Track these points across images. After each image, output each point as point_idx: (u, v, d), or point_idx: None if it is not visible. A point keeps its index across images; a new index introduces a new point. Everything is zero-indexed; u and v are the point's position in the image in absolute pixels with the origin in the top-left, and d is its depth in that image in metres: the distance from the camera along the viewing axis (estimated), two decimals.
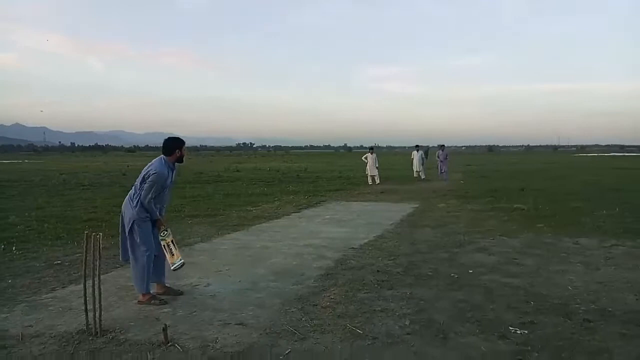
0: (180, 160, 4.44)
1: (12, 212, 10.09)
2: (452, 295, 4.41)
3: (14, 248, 6.53)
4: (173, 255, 4.41)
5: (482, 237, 7.25)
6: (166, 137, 4.48)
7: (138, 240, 4.20)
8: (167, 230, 4.42)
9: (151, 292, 4.30)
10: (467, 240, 6.96)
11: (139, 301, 4.24)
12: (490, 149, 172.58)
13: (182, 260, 4.45)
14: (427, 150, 34.15)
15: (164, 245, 4.38)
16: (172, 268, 4.41)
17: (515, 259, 5.83)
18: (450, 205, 11.18)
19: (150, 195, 4.18)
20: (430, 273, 5.19)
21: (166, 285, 4.54)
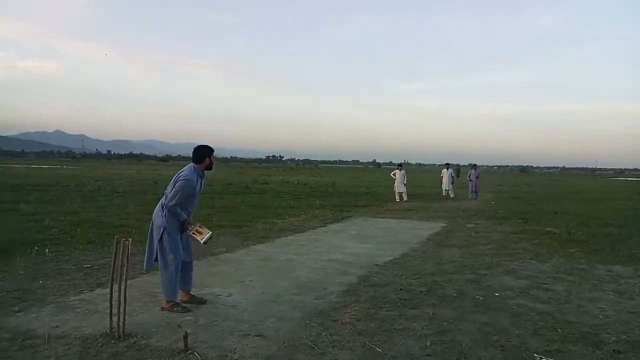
0: (209, 167, 4.51)
1: (47, 216, 10.46)
2: (477, 318, 4.31)
3: (47, 250, 6.76)
4: (202, 233, 4.37)
5: (511, 259, 7.06)
6: (196, 146, 4.58)
7: (167, 248, 4.27)
8: (194, 224, 4.45)
9: (176, 299, 4.37)
10: (495, 262, 6.80)
11: (162, 307, 4.31)
12: (523, 169, 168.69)
13: (210, 233, 4.41)
14: (458, 169, 33.71)
15: (192, 233, 4.38)
16: (202, 242, 4.36)
17: (545, 284, 5.64)
18: (479, 226, 10.96)
19: (175, 200, 4.25)
20: (455, 294, 5.08)
21: (191, 293, 4.60)
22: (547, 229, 10.50)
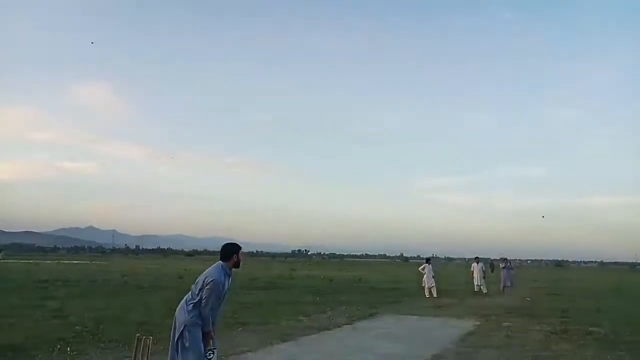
0: (237, 265, 4.47)
1: (72, 312, 10.43)
2: None
3: (68, 349, 6.65)
4: None
5: None
6: (224, 243, 4.60)
7: (187, 345, 4.14)
8: (213, 353, 4.28)
9: None
10: None
11: None
12: (559, 263, 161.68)
13: None
14: (491, 263, 32.65)
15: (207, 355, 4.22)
16: None
17: None
18: (516, 324, 10.32)
19: (210, 305, 4.19)
20: None
21: None
22: (591, 328, 9.78)
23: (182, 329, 4.19)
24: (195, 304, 4.24)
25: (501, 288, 19.95)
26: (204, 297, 4.20)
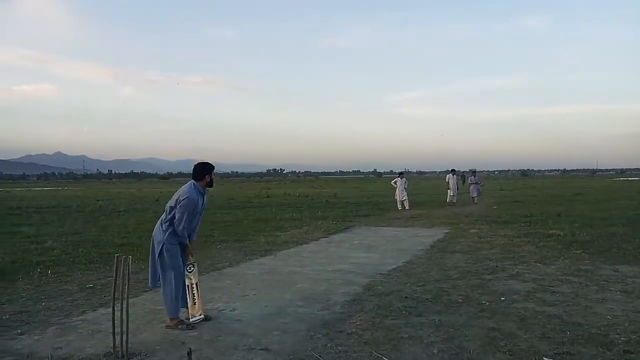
0: (210, 185, 4.49)
1: (49, 237, 10.44)
2: (483, 323, 4.26)
3: (49, 271, 6.74)
4: (195, 305, 4.32)
5: (516, 263, 7.01)
6: (196, 163, 4.57)
7: (167, 264, 4.25)
8: (193, 266, 4.40)
9: (180, 316, 4.32)
10: (500, 267, 6.75)
11: (166, 325, 4.27)
12: (524, 173, 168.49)
13: (202, 316, 4.33)
14: (463, 175, 33.76)
15: (187, 285, 4.33)
16: (190, 320, 4.26)
17: (551, 286, 5.59)
18: (483, 231, 10.90)
19: (183, 223, 4.25)
20: (460, 300, 5.03)
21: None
22: (551, 231, 10.43)
23: (161, 248, 4.27)
24: (170, 222, 4.29)
25: (471, 198, 20.93)
26: (177, 214, 4.25)
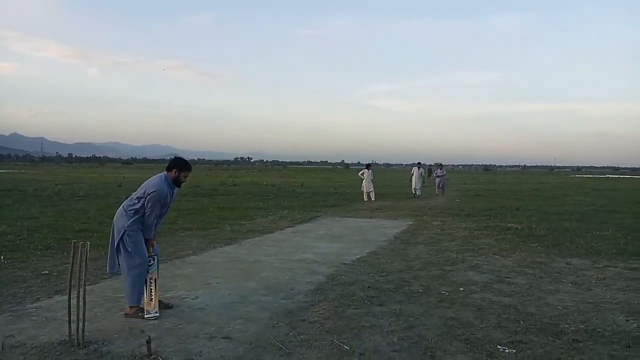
0: (176, 183, 4.39)
1: (3, 221, 10.01)
2: (442, 312, 4.38)
3: (2, 257, 6.47)
4: (152, 301, 4.17)
5: (475, 255, 7.23)
6: (175, 156, 4.54)
7: (130, 250, 4.14)
8: (153, 260, 4.28)
9: (141, 304, 4.23)
10: (460, 258, 6.94)
11: (125, 313, 4.18)
12: (487, 168, 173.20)
13: (157, 313, 4.16)
14: (429, 169, 34.46)
15: (145, 280, 4.20)
16: (145, 316, 4.11)
17: (507, 277, 5.80)
18: (445, 223, 11.17)
19: (154, 214, 4.18)
20: (421, 290, 5.15)
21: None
22: (510, 224, 10.81)
23: (122, 234, 4.16)
24: (136, 211, 4.19)
25: (437, 190, 21.58)
26: (147, 207, 4.17)
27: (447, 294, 5.02)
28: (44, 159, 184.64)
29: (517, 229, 10.14)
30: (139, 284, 4.17)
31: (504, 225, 10.76)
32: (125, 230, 4.15)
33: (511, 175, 76.35)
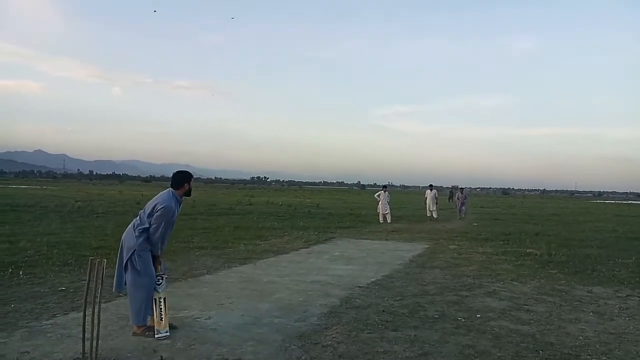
0: (188, 193, 4.47)
1: (24, 237, 10.20)
2: (458, 339, 4.28)
3: (20, 272, 6.57)
4: (162, 321, 4.16)
5: (493, 281, 7.08)
6: (175, 171, 4.54)
7: (139, 269, 4.15)
8: (162, 279, 4.29)
9: (147, 324, 4.22)
10: (477, 284, 6.81)
11: (134, 332, 4.18)
12: (505, 191, 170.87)
13: (167, 333, 4.15)
14: (451, 191, 34.39)
15: (155, 300, 4.20)
16: (155, 336, 4.09)
17: (526, 305, 5.66)
18: (462, 247, 11.00)
19: (160, 230, 4.19)
20: (436, 316, 5.06)
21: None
22: (529, 250, 10.58)
23: (132, 254, 4.17)
24: (144, 230, 4.21)
25: (458, 215, 21.64)
26: (154, 223, 4.19)
27: (463, 320, 4.91)
28: (66, 176, 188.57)
29: (536, 254, 9.93)
30: (147, 303, 4.17)
31: (522, 250, 10.54)
32: (134, 250, 4.16)
33: (530, 199, 75.14)
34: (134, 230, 4.24)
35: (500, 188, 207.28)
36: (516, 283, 6.97)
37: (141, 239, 4.19)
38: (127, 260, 4.17)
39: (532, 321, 4.96)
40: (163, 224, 4.19)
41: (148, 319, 4.23)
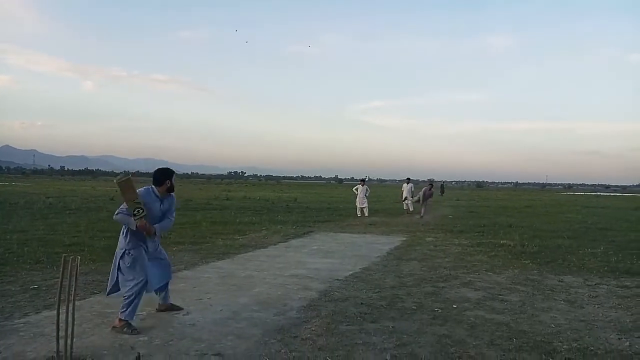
0: (170, 190, 4.47)
1: None
2: (435, 330, 4.36)
3: None
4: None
5: (468, 272, 7.22)
6: (157, 168, 4.53)
7: (129, 267, 4.20)
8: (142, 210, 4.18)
9: (132, 320, 4.18)
10: (453, 275, 6.93)
11: (113, 326, 4.13)
12: (479, 184, 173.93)
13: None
14: (442, 185, 34.73)
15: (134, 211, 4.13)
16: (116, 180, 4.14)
17: (500, 295, 5.79)
18: (438, 239, 11.18)
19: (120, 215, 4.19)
20: (414, 307, 5.13)
21: (168, 303, 4.77)
22: (502, 241, 10.83)
23: (123, 253, 4.24)
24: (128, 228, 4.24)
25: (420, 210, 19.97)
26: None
27: (440, 311, 5.00)
28: (36, 172, 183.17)
29: (510, 245, 10.16)
30: (137, 300, 4.19)
31: (496, 242, 10.78)
32: (125, 249, 4.23)
33: (503, 192, 76.75)
34: (121, 232, 4.30)
35: (475, 181, 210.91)
36: (491, 274, 7.12)
37: (128, 238, 4.24)
38: (119, 260, 4.22)
39: (506, 310, 5.08)
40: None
41: (134, 317, 4.23)
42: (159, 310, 4.72)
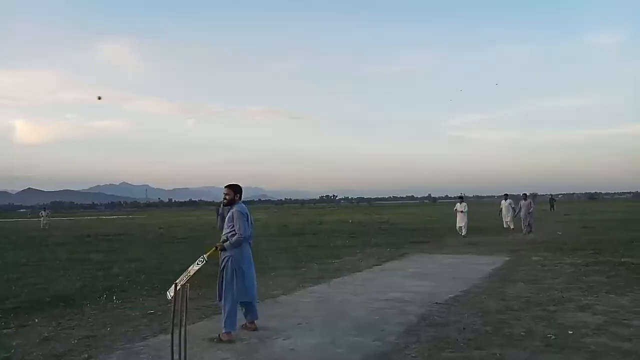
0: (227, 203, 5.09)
1: (115, 264, 11.00)
2: (549, 357, 4.01)
3: (114, 297, 7.07)
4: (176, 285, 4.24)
5: (584, 294, 6.57)
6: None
7: (229, 279, 4.77)
8: (203, 258, 4.63)
9: (234, 332, 4.71)
10: (566, 298, 6.35)
11: (220, 338, 4.66)
12: (592, 196, 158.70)
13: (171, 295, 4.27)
14: (551, 198, 32.70)
15: (189, 271, 4.49)
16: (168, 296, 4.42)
17: (625, 319, 5.18)
18: (546, 259, 10.33)
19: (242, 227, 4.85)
20: (523, 333, 4.77)
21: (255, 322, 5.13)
22: (624, 259, 9.71)
23: (226, 261, 4.89)
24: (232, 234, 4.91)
25: (524, 227, 18.42)
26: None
27: (553, 337, 4.59)
28: (148, 205, 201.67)
29: (633, 264, 9.09)
30: (233, 311, 4.70)
31: (616, 260, 9.69)
32: (230, 257, 4.81)
33: (621, 203, 69.19)
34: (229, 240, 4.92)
35: (586, 192, 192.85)
36: (612, 295, 6.42)
37: (232, 246, 4.84)
38: (222, 268, 4.82)
39: (633, 337, 4.53)
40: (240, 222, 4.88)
41: (236, 326, 4.76)
42: (246, 327, 5.08)
